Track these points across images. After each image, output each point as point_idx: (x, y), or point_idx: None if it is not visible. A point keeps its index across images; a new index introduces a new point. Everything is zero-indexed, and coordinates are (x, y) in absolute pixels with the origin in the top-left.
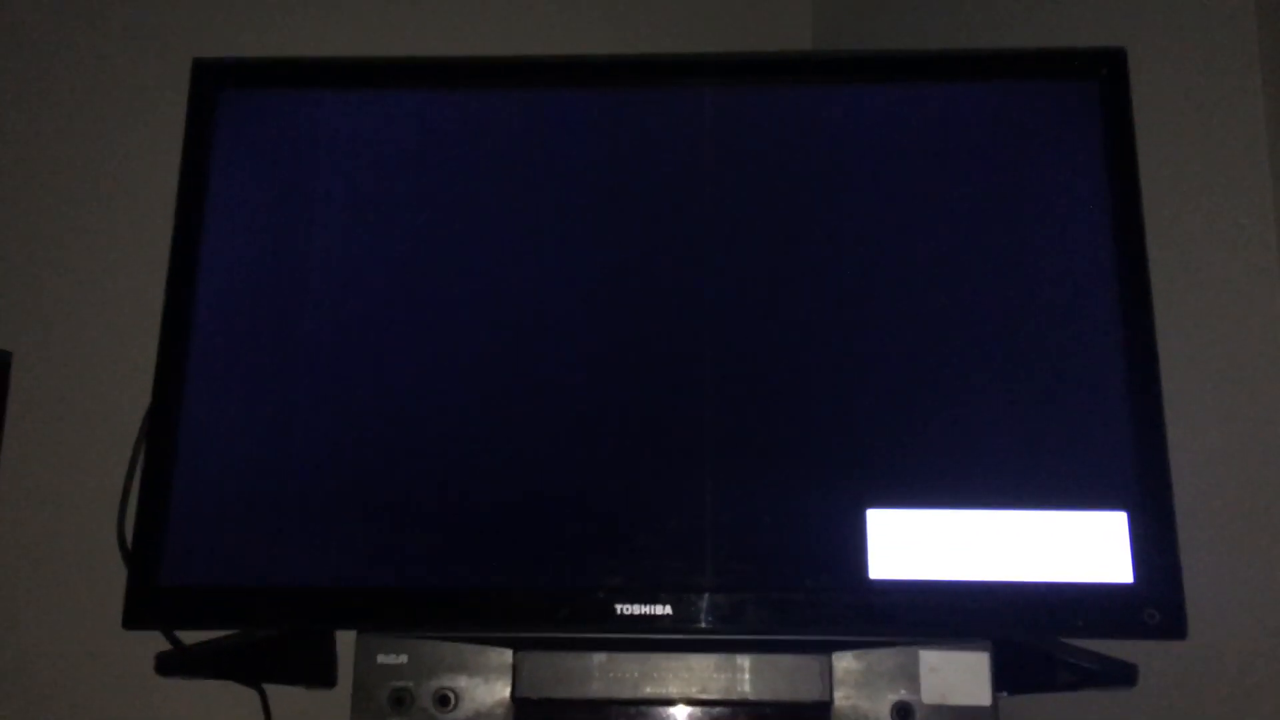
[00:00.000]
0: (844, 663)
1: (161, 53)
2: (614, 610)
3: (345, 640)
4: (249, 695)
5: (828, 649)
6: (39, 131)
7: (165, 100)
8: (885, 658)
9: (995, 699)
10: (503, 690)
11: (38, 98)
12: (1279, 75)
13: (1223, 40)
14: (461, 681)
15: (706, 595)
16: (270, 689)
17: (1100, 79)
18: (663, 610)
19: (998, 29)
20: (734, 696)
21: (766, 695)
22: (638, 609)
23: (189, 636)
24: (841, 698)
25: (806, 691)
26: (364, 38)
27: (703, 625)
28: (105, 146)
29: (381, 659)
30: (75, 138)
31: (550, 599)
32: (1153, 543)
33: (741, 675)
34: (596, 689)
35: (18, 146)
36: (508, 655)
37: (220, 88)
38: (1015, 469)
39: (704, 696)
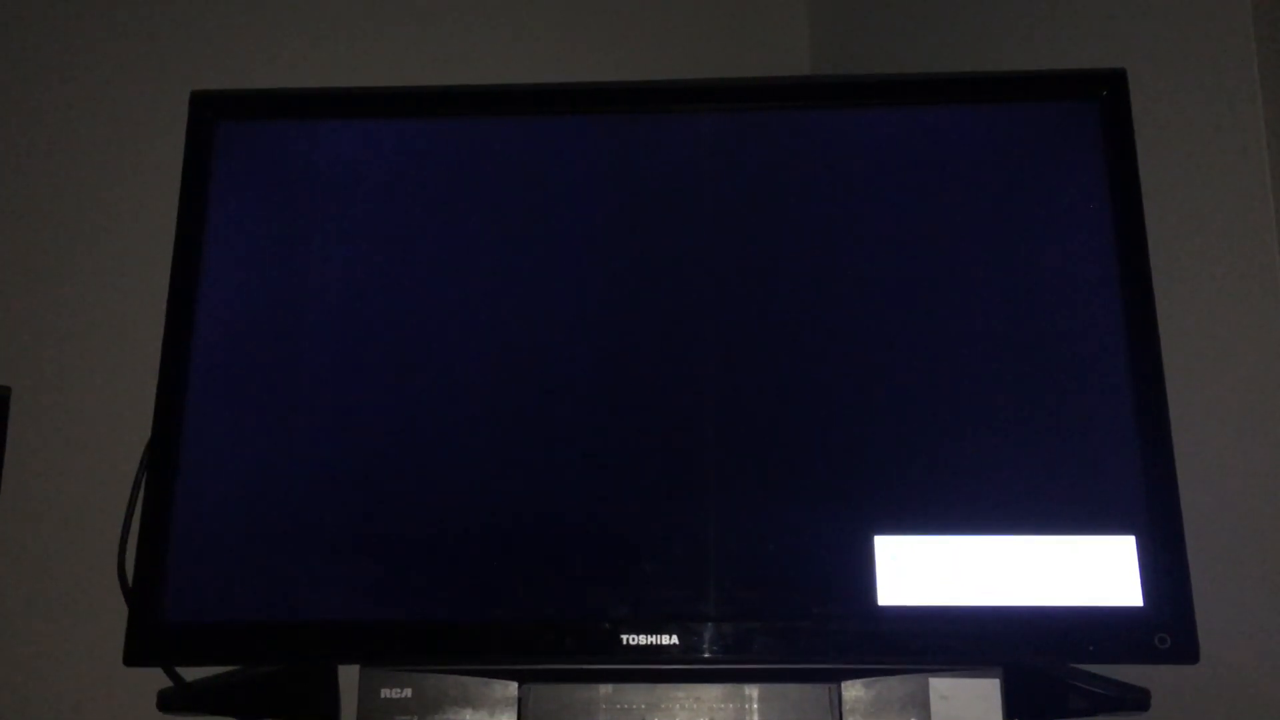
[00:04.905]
0: (853, 691)
1: (159, 86)
2: (620, 641)
3: (348, 675)
4: None
5: (836, 677)
6: (37, 165)
7: (163, 133)
8: (895, 686)
9: None
10: None
11: (35, 132)
12: (1279, 94)
13: (1222, 59)
14: (466, 715)
15: (713, 624)
16: None
17: (1101, 100)
18: (669, 640)
19: (996, 51)
20: None
21: None
22: (644, 639)
23: (190, 673)
24: None
25: None
26: (362, 68)
27: (709, 655)
28: (104, 180)
29: (385, 693)
30: (74, 171)
31: (555, 630)
32: (1162, 566)
33: (750, 705)
34: None
35: (16, 180)
36: (513, 688)
37: (218, 119)
38: (1023, 494)
39: None
